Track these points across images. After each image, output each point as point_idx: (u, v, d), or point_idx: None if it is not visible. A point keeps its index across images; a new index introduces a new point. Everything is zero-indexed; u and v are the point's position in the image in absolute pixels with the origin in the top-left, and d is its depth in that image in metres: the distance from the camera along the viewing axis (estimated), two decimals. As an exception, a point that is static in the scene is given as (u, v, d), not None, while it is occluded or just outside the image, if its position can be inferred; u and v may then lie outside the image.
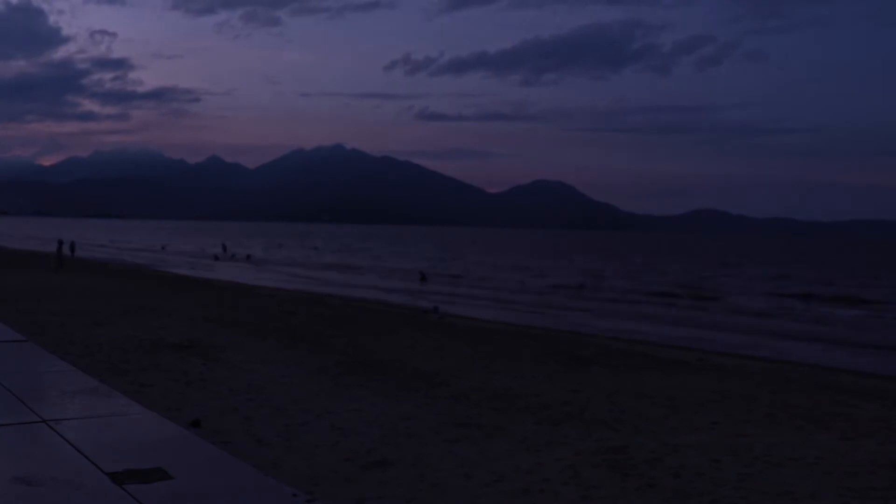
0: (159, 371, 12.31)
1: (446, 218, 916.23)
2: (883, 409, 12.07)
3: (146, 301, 23.48)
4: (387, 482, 7.49)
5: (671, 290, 46.38)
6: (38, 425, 6.25)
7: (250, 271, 54.71)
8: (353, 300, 32.45)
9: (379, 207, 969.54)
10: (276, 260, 73.05)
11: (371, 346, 16.58)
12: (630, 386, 13.12)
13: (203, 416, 9.38)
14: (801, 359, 20.76)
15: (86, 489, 4.85)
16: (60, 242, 41.26)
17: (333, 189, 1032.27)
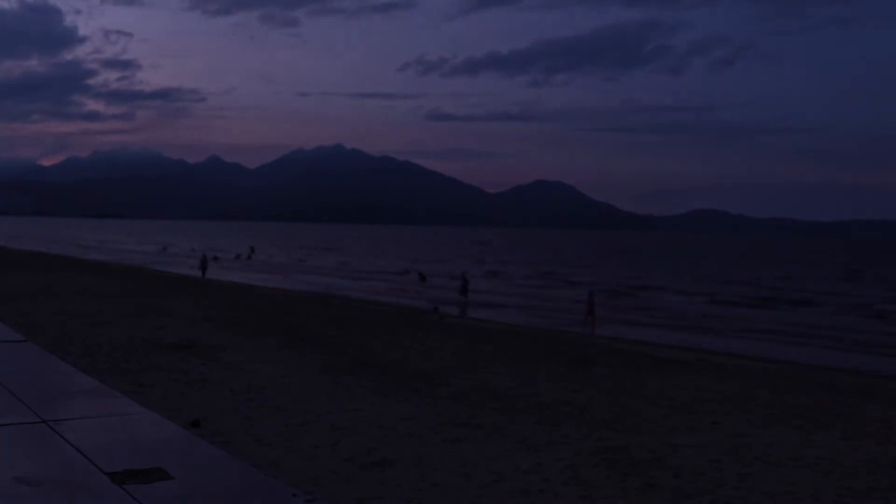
0: (159, 371, 12.30)
1: (446, 218, 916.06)
2: (883, 409, 12.08)
3: (146, 301, 23.50)
4: (387, 482, 7.48)
5: (773, 296, 44.94)
6: (39, 425, 6.24)
7: (250, 271, 54.71)
8: (354, 300, 32.46)
9: (379, 207, 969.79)
10: (275, 260, 73.06)
11: (371, 346, 16.58)
12: (630, 386, 13.13)
13: (203, 416, 9.38)
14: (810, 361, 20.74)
15: (86, 489, 4.84)
16: (205, 256, 49.31)
17: (334, 189, 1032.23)
